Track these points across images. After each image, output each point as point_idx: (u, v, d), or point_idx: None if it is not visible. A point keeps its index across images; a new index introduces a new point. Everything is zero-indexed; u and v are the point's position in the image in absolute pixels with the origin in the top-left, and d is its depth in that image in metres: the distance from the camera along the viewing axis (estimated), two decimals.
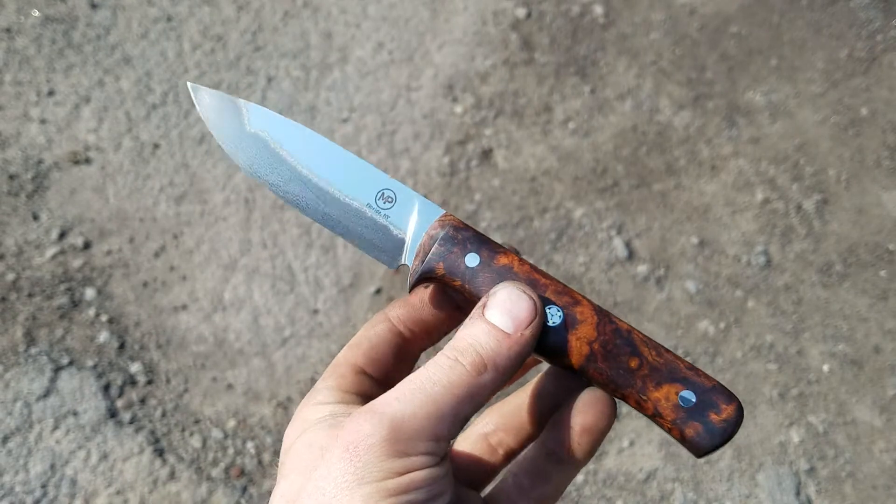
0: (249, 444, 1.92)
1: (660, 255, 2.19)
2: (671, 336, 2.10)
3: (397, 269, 0.61)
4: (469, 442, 0.62)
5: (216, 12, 2.43)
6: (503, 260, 0.57)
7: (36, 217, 2.11)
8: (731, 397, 0.55)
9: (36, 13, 2.37)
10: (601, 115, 2.38)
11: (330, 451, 0.48)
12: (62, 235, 2.09)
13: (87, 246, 2.08)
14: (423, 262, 0.58)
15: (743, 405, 0.55)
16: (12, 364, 1.93)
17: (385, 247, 0.60)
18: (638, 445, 1.99)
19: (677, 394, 0.54)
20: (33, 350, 1.95)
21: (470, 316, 0.54)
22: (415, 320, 0.60)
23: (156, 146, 2.23)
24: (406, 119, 2.32)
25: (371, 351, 0.59)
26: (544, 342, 0.55)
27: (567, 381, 0.59)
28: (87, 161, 2.19)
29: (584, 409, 0.55)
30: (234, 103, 0.63)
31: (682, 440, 0.55)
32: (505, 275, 0.56)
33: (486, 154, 2.30)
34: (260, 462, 1.90)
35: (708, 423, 0.54)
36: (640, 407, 0.56)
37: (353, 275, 2.10)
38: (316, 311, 2.05)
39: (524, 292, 0.54)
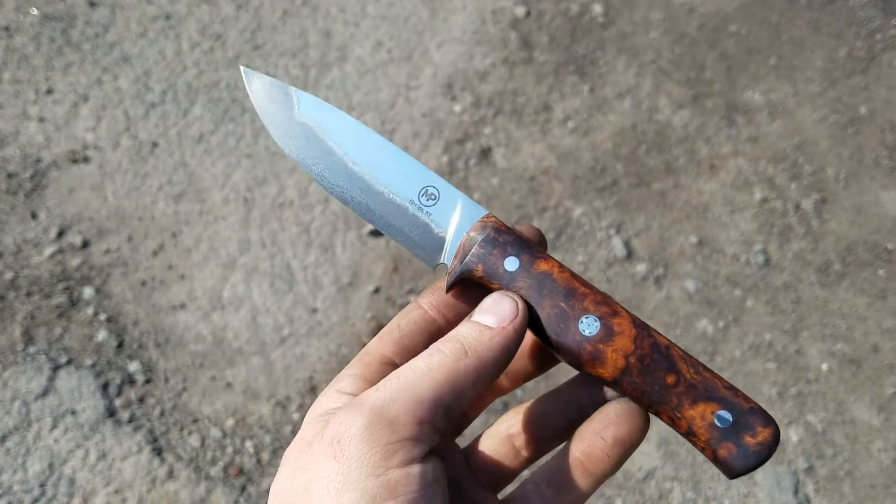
0: (248, 443, 1.92)
1: (659, 254, 2.19)
2: (670, 335, 2.10)
3: (435, 268, 0.61)
4: (492, 442, 0.62)
5: (215, 11, 2.43)
6: (543, 266, 0.57)
7: (34, 216, 2.10)
8: (768, 420, 0.54)
9: (34, 11, 2.37)
10: (600, 113, 2.38)
11: (317, 446, 0.49)
12: (60, 234, 2.09)
13: (85, 245, 2.08)
14: (461, 262, 0.58)
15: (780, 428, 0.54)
16: (10, 363, 1.93)
17: (425, 245, 0.60)
18: None
19: (713, 413, 0.54)
20: (32, 349, 1.95)
21: (461, 323, 0.55)
22: (448, 305, 0.60)
23: (154, 145, 2.23)
24: (405, 118, 2.32)
25: (402, 339, 0.59)
26: (579, 351, 0.55)
27: (598, 390, 0.58)
28: (86, 160, 2.19)
29: (618, 421, 0.55)
30: (285, 90, 0.63)
31: (715, 460, 0.54)
32: (543, 281, 0.56)
33: (485, 153, 2.29)
34: (259, 461, 1.90)
35: (742, 446, 0.53)
36: (673, 423, 0.55)
37: (351, 274, 2.10)
38: (315, 310, 2.05)
39: (508, 295, 0.55)
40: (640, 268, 2.17)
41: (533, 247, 0.58)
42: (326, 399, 0.55)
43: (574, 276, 0.57)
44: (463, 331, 0.53)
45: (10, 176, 2.15)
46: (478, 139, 2.31)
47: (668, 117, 2.39)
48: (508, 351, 0.53)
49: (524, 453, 0.61)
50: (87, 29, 2.36)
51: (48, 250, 2.06)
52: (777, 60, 2.51)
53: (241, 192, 2.18)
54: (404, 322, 0.59)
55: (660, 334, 0.56)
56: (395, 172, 0.61)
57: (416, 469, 0.48)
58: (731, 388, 0.55)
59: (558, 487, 0.58)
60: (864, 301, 2.19)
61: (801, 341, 2.13)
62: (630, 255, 2.18)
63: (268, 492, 1.86)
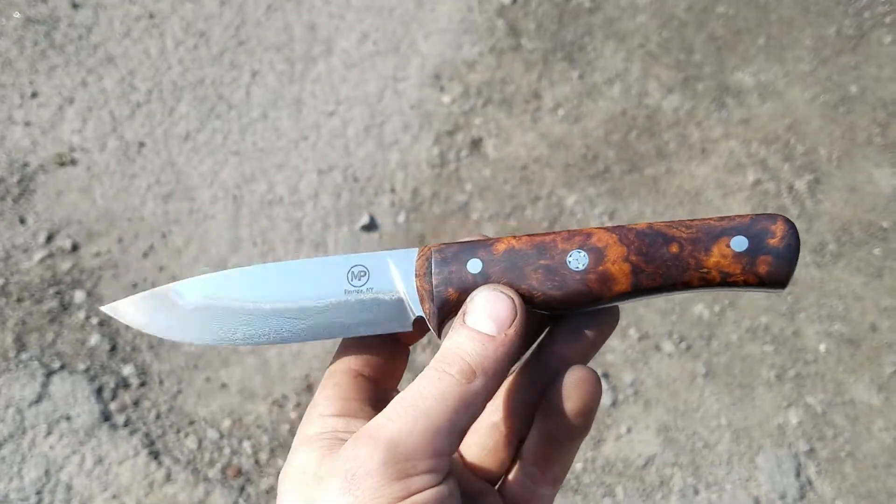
0: (246, 444, 1.91)
1: None
2: (666, 321, 2.09)
3: (416, 326, 0.57)
4: (480, 433, 0.61)
5: (199, 8, 2.40)
6: (501, 246, 0.56)
7: (23, 221, 2.08)
8: (773, 217, 0.54)
9: (17, 15, 2.34)
10: (590, 100, 2.36)
11: (329, 481, 0.47)
12: (50, 238, 2.07)
13: (75, 248, 2.06)
14: (432, 300, 0.56)
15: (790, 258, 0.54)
16: (3, 370, 1.91)
17: (389, 315, 0.57)
18: (636, 432, 1.98)
19: (728, 246, 0.53)
20: (24, 355, 1.94)
21: (452, 326, 0.53)
22: None
23: (141, 145, 2.21)
24: (394, 110, 2.30)
25: (363, 350, 0.58)
26: (588, 286, 0.54)
27: (557, 357, 0.58)
28: (73, 162, 2.17)
29: (572, 394, 0.54)
30: (159, 295, 0.58)
31: (763, 282, 0.53)
32: (511, 257, 0.55)
33: (476, 143, 2.28)
34: (257, 461, 1.89)
35: (773, 249, 0.53)
36: (706, 282, 0.54)
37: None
38: None
39: (501, 292, 0.53)
40: None
41: (478, 241, 0.57)
42: (310, 425, 0.54)
43: (531, 235, 0.56)
44: (466, 347, 0.51)
45: None
46: (468, 130, 2.29)
47: (658, 102, 2.38)
48: (515, 356, 0.52)
49: (512, 438, 0.60)
50: (70, 31, 2.34)
51: (38, 255, 2.05)
52: (766, 41, 2.49)
53: (230, 190, 2.16)
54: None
55: (634, 224, 0.55)
56: (313, 281, 0.58)
57: (434, 492, 0.47)
58: (722, 217, 0.55)
59: (543, 463, 0.58)
60: (860, 280, 2.18)
61: (797, 323, 2.12)
62: None
63: (267, 492, 1.85)
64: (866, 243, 2.23)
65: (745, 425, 2.00)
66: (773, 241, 0.53)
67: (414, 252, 0.58)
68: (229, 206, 2.14)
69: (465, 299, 0.55)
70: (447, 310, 0.56)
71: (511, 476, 0.59)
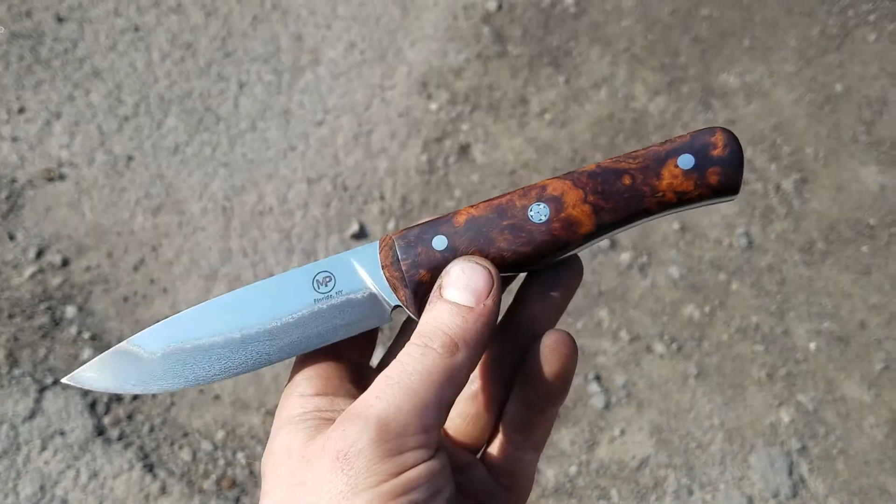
0: (240, 455, 1.91)
1: (642, 242, 2.19)
2: (657, 322, 2.10)
3: (392, 317, 0.58)
4: (460, 404, 0.61)
5: (184, 20, 2.41)
6: (462, 217, 0.56)
7: (12, 237, 2.08)
8: (711, 130, 0.56)
9: (2, 30, 2.34)
10: (577, 104, 2.38)
11: (318, 462, 0.47)
12: (40, 254, 2.07)
13: (65, 263, 2.06)
14: (406, 285, 0.56)
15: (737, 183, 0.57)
16: None
17: (365, 313, 0.57)
18: (629, 434, 1.99)
19: (676, 166, 0.55)
20: (16, 371, 1.93)
21: (429, 300, 0.53)
22: None
23: (130, 158, 2.21)
24: (382, 118, 2.31)
25: None
26: (554, 235, 0.55)
27: (531, 322, 0.58)
28: (61, 177, 2.17)
29: (549, 358, 0.55)
30: (120, 353, 0.56)
31: (716, 192, 0.56)
32: (474, 224, 0.56)
33: (464, 149, 2.29)
34: (251, 472, 1.89)
35: (718, 159, 0.55)
36: (663, 205, 0.56)
37: None
38: None
39: (476, 263, 0.53)
40: (624, 256, 2.17)
41: (438, 218, 0.57)
42: (292, 406, 0.53)
43: (486, 201, 0.57)
44: (445, 320, 0.51)
45: None
46: (456, 136, 2.30)
47: (644, 104, 2.39)
48: (493, 325, 0.52)
49: (492, 406, 0.60)
50: (55, 45, 2.34)
51: (28, 271, 2.04)
52: (751, 42, 2.51)
53: (220, 202, 2.16)
54: None
55: (581, 168, 0.57)
56: (278, 298, 0.56)
57: (425, 467, 0.47)
58: (664, 142, 0.57)
59: (525, 430, 0.58)
60: (848, 278, 2.20)
61: (787, 322, 2.13)
62: (614, 244, 2.18)
63: None
64: (854, 241, 2.24)
65: (738, 425, 2.01)
66: (716, 152, 0.55)
67: (375, 245, 0.58)
68: (219, 217, 2.14)
69: (437, 277, 0.55)
70: (423, 292, 0.56)
71: (493, 444, 0.60)
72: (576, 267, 0.58)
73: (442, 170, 2.24)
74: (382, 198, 2.20)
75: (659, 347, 2.07)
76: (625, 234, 2.19)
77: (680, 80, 2.43)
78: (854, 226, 2.26)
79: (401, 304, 0.56)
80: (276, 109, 2.30)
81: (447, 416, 0.50)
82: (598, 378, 2.03)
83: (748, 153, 2.33)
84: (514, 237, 0.55)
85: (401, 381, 0.48)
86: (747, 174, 2.30)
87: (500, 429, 0.59)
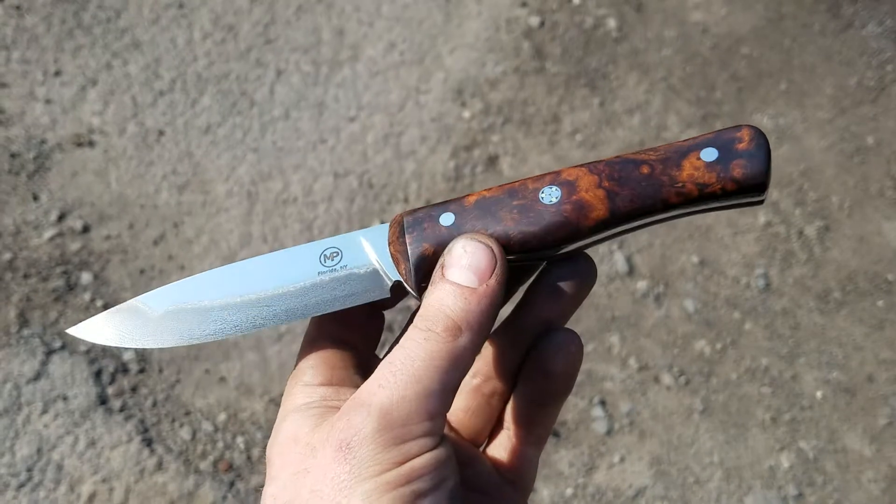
0: (239, 439, 1.91)
1: (660, 272, 2.19)
2: (667, 354, 2.10)
3: (392, 291, 0.56)
4: (464, 397, 0.60)
5: (229, 2, 2.42)
6: (472, 198, 0.55)
7: (36, 198, 2.09)
8: (738, 127, 0.54)
9: None
10: (609, 128, 2.38)
11: (322, 450, 0.47)
12: (61, 217, 2.07)
13: (85, 230, 2.07)
14: (408, 259, 0.55)
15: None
16: (4, 345, 1.91)
17: (365, 287, 0.56)
18: (628, 462, 1.98)
19: (698, 158, 0.53)
20: (26, 332, 1.94)
21: (431, 280, 0.52)
22: None
23: (161, 133, 2.21)
24: (414, 121, 2.32)
25: (340, 317, 0.56)
26: (565, 217, 0.53)
27: (531, 323, 0.57)
28: (91, 144, 2.17)
29: (554, 356, 0.55)
30: (125, 309, 0.57)
31: (741, 187, 0.52)
32: (484, 204, 0.54)
33: (492, 160, 2.29)
34: (249, 457, 1.89)
35: (744, 153, 0.52)
36: (683, 197, 0.53)
37: None
38: None
39: (479, 241, 0.52)
40: (641, 284, 2.17)
41: (450, 199, 0.56)
42: (297, 395, 0.53)
43: (501, 185, 0.55)
44: (448, 302, 0.49)
45: (13, 156, 2.13)
46: (485, 146, 2.30)
47: (675, 135, 2.39)
48: (497, 306, 0.51)
49: (494, 400, 0.60)
50: (99, 13, 2.35)
51: (48, 233, 2.05)
52: (787, 85, 2.51)
53: (246, 186, 2.17)
54: None
55: (601, 158, 0.55)
56: (284, 268, 0.57)
57: (430, 456, 0.47)
58: (686, 139, 0.55)
59: (527, 426, 0.58)
60: (861, 331, 2.19)
61: (797, 367, 2.13)
62: (631, 271, 2.18)
63: (256, 489, 1.85)
64: (870, 294, 2.24)
65: (737, 465, 2.01)
66: (741, 146, 0.53)
67: (386, 226, 0.57)
68: (244, 201, 2.15)
69: (441, 253, 0.54)
70: (425, 268, 0.54)
71: (496, 438, 0.60)
72: (588, 269, 0.57)
73: (468, 178, 2.25)
74: (406, 199, 2.20)
75: (667, 379, 2.07)
76: (643, 262, 2.19)
77: (713, 115, 2.43)
78: (872, 279, 2.26)
79: (401, 280, 0.55)
80: (310, 101, 2.30)
81: (452, 400, 0.49)
82: (602, 403, 2.03)
83: (774, 195, 2.33)
84: (521, 216, 0.54)
85: (404, 367, 0.47)
86: (772, 216, 2.30)
87: (504, 423, 0.59)
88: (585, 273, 0.57)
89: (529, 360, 0.56)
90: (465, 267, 0.51)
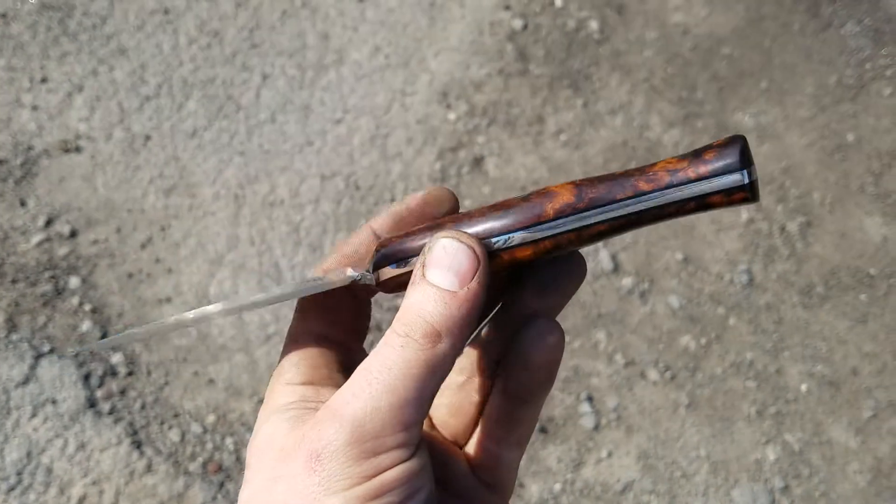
0: (228, 440, 1.91)
1: (645, 269, 2.21)
2: (653, 349, 2.11)
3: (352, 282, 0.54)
4: (446, 395, 0.58)
5: (214, 7, 2.43)
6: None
7: (23, 203, 2.09)
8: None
9: (33, 0, 2.36)
10: (592, 128, 2.40)
11: (293, 460, 0.45)
12: (49, 223, 2.08)
13: (73, 234, 2.07)
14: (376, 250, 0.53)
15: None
16: None
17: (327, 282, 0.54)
18: (616, 457, 2.00)
19: (672, 157, 0.50)
20: (14, 336, 1.94)
21: (411, 280, 0.49)
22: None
23: (147, 138, 2.22)
24: (400, 123, 2.33)
25: (324, 311, 0.55)
26: (526, 206, 0.51)
27: (517, 319, 0.55)
28: (78, 150, 2.18)
29: (534, 344, 0.53)
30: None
31: (714, 170, 0.48)
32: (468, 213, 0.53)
33: (478, 161, 2.31)
34: (238, 458, 1.90)
35: (715, 145, 0.49)
36: (655, 183, 0.50)
37: None
38: None
39: (461, 241, 0.49)
40: (626, 281, 2.19)
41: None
42: (278, 394, 0.51)
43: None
44: (427, 307, 0.47)
45: (0, 163, 2.14)
46: (471, 148, 2.32)
47: (658, 135, 2.42)
48: (479, 309, 0.48)
49: (476, 395, 0.58)
50: (84, 19, 2.36)
51: (35, 238, 2.05)
52: (768, 84, 2.54)
53: (233, 189, 2.18)
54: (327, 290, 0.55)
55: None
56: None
57: (402, 468, 0.45)
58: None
59: (508, 425, 0.56)
60: (845, 324, 2.22)
61: (781, 361, 2.15)
62: (616, 268, 2.20)
63: None
64: (853, 289, 2.27)
65: (724, 458, 2.02)
66: (716, 143, 0.49)
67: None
68: (230, 204, 2.16)
69: (406, 249, 0.52)
70: (386, 262, 0.53)
71: (474, 439, 0.58)
72: (577, 264, 0.55)
73: (454, 179, 2.26)
74: (393, 200, 2.21)
75: (653, 374, 2.09)
76: (628, 259, 2.21)
77: (695, 115, 2.46)
78: (854, 274, 2.28)
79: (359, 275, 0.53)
80: (296, 104, 2.32)
81: (429, 408, 0.47)
82: (590, 399, 2.04)
83: None
84: (489, 208, 0.52)
85: (380, 376, 0.45)
86: (754, 213, 2.32)
87: (482, 423, 0.57)
88: (575, 268, 0.55)
89: (509, 352, 0.54)
90: (446, 268, 0.48)
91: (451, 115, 2.37)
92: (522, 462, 1.96)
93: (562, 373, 2.07)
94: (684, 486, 1.98)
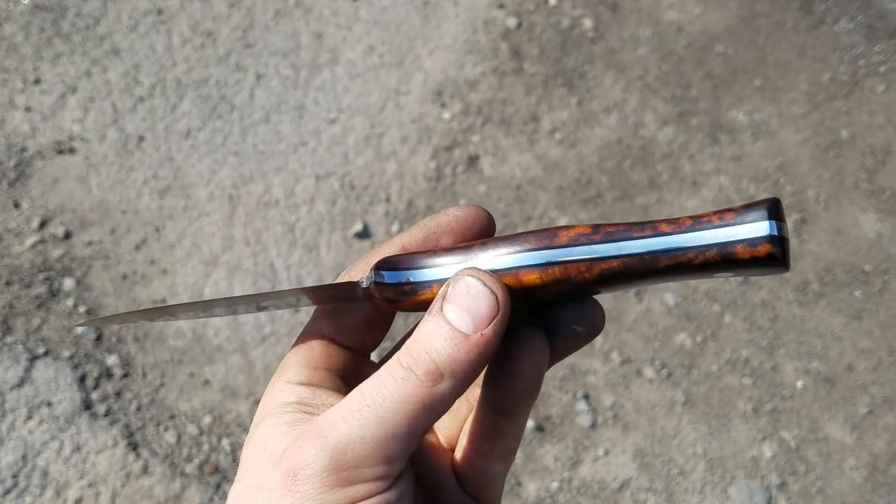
0: (224, 441, 1.91)
1: None
2: (649, 347, 2.12)
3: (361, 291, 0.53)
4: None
5: (207, 8, 2.43)
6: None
7: (17, 205, 2.09)
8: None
9: (26, 1, 2.35)
10: (587, 127, 2.40)
11: (274, 472, 0.45)
12: (43, 224, 2.07)
13: (67, 236, 2.07)
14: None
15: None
16: None
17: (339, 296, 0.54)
18: (613, 454, 2.00)
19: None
20: (9, 339, 1.93)
21: (430, 309, 0.48)
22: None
23: (141, 139, 2.22)
24: (394, 122, 2.33)
25: (339, 317, 0.54)
26: (535, 235, 0.49)
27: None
28: (71, 151, 2.17)
29: (518, 353, 0.51)
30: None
31: (739, 216, 0.45)
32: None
33: (473, 160, 2.31)
34: (235, 460, 1.89)
35: (737, 212, 0.46)
36: (675, 223, 0.47)
37: (335, 275, 2.10)
38: (297, 310, 2.05)
39: (484, 284, 0.47)
40: None
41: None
42: (277, 390, 0.51)
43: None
44: (436, 344, 0.45)
45: None
46: (466, 147, 2.32)
47: (653, 133, 2.42)
48: (489, 356, 0.47)
49: (464, 407, 0.57)
50: (77, 20, 2.35)
51: (30, 240, 2.05)
52: (762, 82, 2.54)
53: (227, 190, 2.18)
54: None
55: None
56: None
57: (378, 499, 0.44)
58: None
59: (492, 437, 0.55)
60: (840, 321, 2.22)
61: (777, 358, 2.16)
62: None
63: None
64: (848, 285, 2.27)
65: (720, 455, 2.03)
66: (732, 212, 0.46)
67: None
68: (225, 204, 2.15)
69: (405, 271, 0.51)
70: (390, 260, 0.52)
71: (459, 451, 0.56)
72: (592, 309, 0.52)
73: (449, 178, 2.26)
74: (388, 200, 2.21)
75: (649, 372, 2.09)
76: None
77: (690, 113, 2.46)
78: (849, 270, 2.29)
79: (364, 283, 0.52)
80: (290, 104, 2.31)
81: (417, 444, 0.46)
82: (586, 397, 2.04)
83: (751, 190, 2.36)
84: (505, 236, 0.50)
85: (372, 404, 0.45)
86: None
87: (467, 436, 0.56)
88: (589, 314, 0.52)
89: (493, 361, 0.52)
90: (464, 309, 0.46)
91: (446, 114, 2.36)
92: (519, 461, 1.96)
93: (558, 371, 2.07)
94: (681, 484, 1.99)
